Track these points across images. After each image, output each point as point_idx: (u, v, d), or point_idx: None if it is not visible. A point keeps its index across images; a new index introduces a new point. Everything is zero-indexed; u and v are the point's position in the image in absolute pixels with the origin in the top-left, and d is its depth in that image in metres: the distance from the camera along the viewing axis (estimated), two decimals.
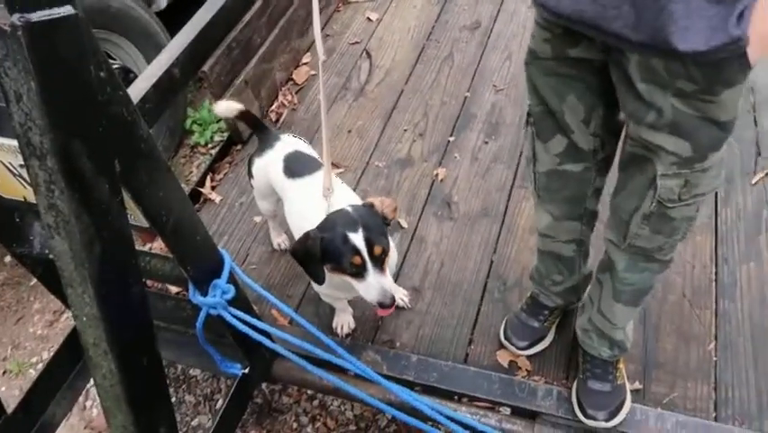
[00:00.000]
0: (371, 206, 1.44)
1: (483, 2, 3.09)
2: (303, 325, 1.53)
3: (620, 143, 1.29)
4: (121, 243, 1.14)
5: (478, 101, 2.59)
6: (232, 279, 1.46)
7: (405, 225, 2.17)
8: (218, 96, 2.45)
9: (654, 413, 1.58)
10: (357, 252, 1.34)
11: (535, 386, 1.67)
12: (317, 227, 1.43)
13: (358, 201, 1.64)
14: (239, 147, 2.63)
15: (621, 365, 1.60)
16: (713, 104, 1.00)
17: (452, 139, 2.46)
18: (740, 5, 0.86)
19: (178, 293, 2.00)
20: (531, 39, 1.19)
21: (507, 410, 1.68)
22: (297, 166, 1.75)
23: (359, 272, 1.37)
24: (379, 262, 1.37)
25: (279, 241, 2.17)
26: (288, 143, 1.84)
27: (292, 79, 2.89)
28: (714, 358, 1.68)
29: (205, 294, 1.44)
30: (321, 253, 1.40)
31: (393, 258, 1.68)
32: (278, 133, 1.91)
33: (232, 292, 1.42)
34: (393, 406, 1.40)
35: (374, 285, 1.36)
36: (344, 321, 1.89)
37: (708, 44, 0.89)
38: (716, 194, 2.05)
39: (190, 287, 1.44)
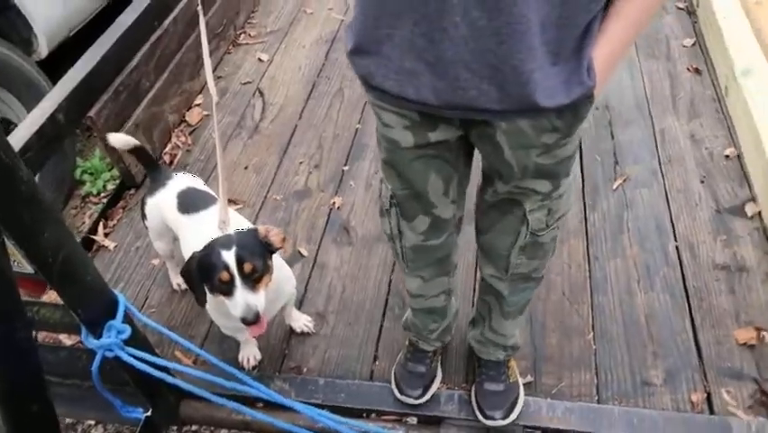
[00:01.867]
0: (255, 231, 1.49)
1: None
2: (207, 359, 1.54)
3: (475, 196, 1.39)
4: (3, 288, 1.13)
5: (368, 132, 2.72)
6: (128, 319, 1.46)
7: (305, 253, 2.22)
8: (106, 142, 2.42)
9: (545, 403, 1.71)
10: (226, 267, 1.37)
11: (438, 393, 1.76)
12: (201, 249, 1.47)
13: None
14: (132, 191, 2.59)
15: (512, 363, 1.72)
16: (569, 144, 1.12)
17: (346, 168, 2.56)
18: (584, 62, 0.99)
19: (73, 345, 1.93)
20: (384, 128, 1.16)
21: (414, 420, 1.75)
22: (190, 202, 1.77)
23: (228, 289, 1.40)
24: (251, 281, 1.39)
25: (178, 281, 2.15)
26: (180, 181, 1.86)
27: (185, 121, 2.90)
28: (593, 347, 1.85)
29: (99, 336, 1.42)
30: (197, 270, 1.44)
31: (287, 290, 1.74)
32: (170, 171, 1.92)
33: (127, 332, 1.42)
34: (304, 428, 1.43)
35: (239, 301, 1.38)
36: (249, 354, 1.90)
37: (569, 97, 0.99)
38: (584, 202, 2.27)
39: (83, 331, 1.42)
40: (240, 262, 1.38)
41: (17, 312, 1.16)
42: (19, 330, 1.17)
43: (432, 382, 1.76)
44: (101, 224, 2.44)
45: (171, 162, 2.70)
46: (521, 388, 1.70)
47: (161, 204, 1.83)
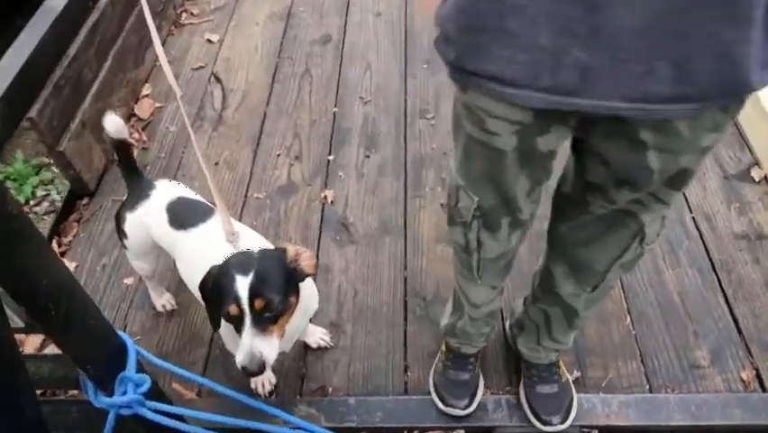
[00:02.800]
0: (283, 252, 1.23)
1: (327, 15, 3.01)
2: (222, 392, 1.32)
3: (565, 207, 1.17)
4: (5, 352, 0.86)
5: (348, 115, 2.49)
6: (139, 366, 1.20)
7: None
8: (52, 146, 2.06)
9: (599, 399, 1.60)
10: (236, 300, 1.13)
11: (484, 400, 1.61)
12: (220, 264, 1.22)
13: (269, 245, 1.45)
14: (85, 201, 2.24)
15: (561, 362, 1.60)
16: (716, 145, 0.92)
17: (331, 158, 2.33)
18: None
19: (53, 393, 1.62)
20: (486, 135, 0.94)
21: (462, 432, 1.60)
22: (185, 215, 1.50)
23: (238, 325, 1.16)
24: (262, 320, 1.14)
25: (163, 302, 1.87)
26: (166, 191, 1.58)
27: (135, 115, 2.55)
28: (633, 332, 1.76)
29: (110, 392, 1.16)
30: (212, 290, 1.20)
31: (311, 309, 1.51)
32: (150, 180, 1.63)
33: (147, 384, 1.17)
34: None
35: (244, 344, 1.13)
36: (264, 378, 1.67)
37: None
38: None
39: (89, 387, 1.15)
40: (252, 296, 1.13)
41: (24, 384, 0.89)
42: (27, 408, 0.90)
43: (477, 389, 1.61)
44: (54, 241, 2.09)
45: None
46: (573, 387, 1.58)
47: (147, 220, 1.54)
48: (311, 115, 2.51)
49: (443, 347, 1.65)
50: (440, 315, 1.81)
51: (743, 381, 1.64)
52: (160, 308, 1.87)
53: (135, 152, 2.39)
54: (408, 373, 1.71)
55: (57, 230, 2.13)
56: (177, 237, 1.49)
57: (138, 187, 1.59)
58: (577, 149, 1.03)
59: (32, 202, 2.61)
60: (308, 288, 1.48)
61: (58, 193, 2.29)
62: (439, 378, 1.62)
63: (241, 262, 1.18)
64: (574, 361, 1.70)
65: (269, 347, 1.14)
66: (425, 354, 1.74)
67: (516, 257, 1.34)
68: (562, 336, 1.44)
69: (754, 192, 2.08)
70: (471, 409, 1.58)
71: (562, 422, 1.52)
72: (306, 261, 1.23)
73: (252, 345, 1.12)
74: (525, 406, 1.57)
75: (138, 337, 1.82)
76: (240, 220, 2.10)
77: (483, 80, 0.83)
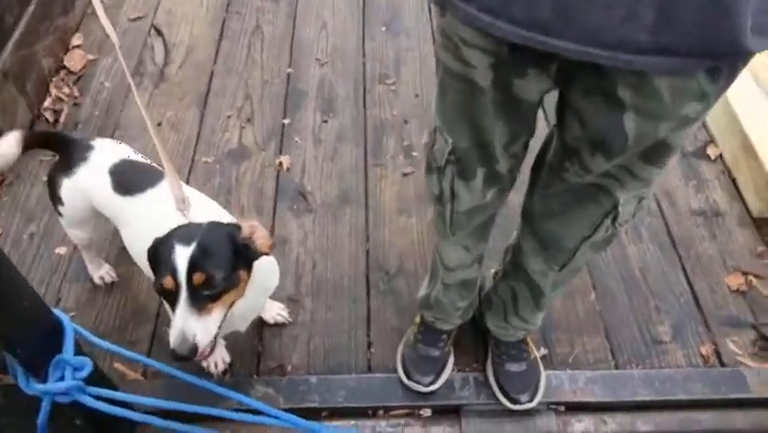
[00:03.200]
0: (236, 228, 1.09)
1: None
2: (175, 375, 1.19)
3: (540, 170, 1.12)
4: None
5: (303, 77, 2.34)
6: (77, 346, 1.06)
7: None
8: None
9: (566, 375, 1.57)
10: (172, 272, 0.99)
11: (451, 378, 1.55)
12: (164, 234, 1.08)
13: (226, 217, 1.32)
14: None
15: (529, 339, 1.56)
16: (701, 118, 0.86)
17: (286, 122, 2.18)
18: None
19: None
20: (463, 67, 0.88)
21: (428, 411, 1.53)
22: (130, 179, 1.34)
23: (172, 301, 1.01)
24: (200, 298, 1.00)
25: (101, 273, 1.70)
26: (107, 151, 1.40)
27: (65, 67, 2.30)
28: (598, 307, 1.74)
29: (43, 378, 1.01)
30: (151, 263, 1.07)
31: (270, 285, 1.39)
32: (86, 139, 1.44)
33: (88, 367, 1.02)
34: None
35: (175, 325, 0.98)
36: (216, 356, 1.55)
37: None
38: None
39: (18, 372, 1.00)
40: (191, 268, 0.99)
41: None
42: None
43: (444, 366, 1.54)
44: None
45: (56, 121, 2.13)
46: (541, 364, 1.55)
47: (86, 185, 1.37)
48: (263, 74, 2.34)
49: (417, 320, 1.58)
50: (403, 289, 1.74)
51: (702, 356, 1.65)
52: (98, 281, 1.69)
53: (65, 109, 2.16)
54: (372, 350, 1.63)
55: None
56: (122, 204, 1.32)
57: (72, 149, 1.40)
58: (559, 109, 0.97)
59: None
60: (267, 263, 1.36)
61: None
62: (408, 352, 1.55)
63: (184, 232, 1.04)
64: (541, 338, 1.66)
65: (204, 329, 0.99)
66: (389, 329, 1.66)
67: (493, 232, 1.28)
68: (528, 315, 1.40)
69: (710, 170, 2.10)
70: (435, 387, 1.52)
71: (531, 400, 1.49)
72: (261, 239, 1.09)
73: (185, 327, 0.98)
74: (494, 384, 1.52)
75: (72, 314, 1.64)
76: (187, 184, 1.93)
77: (461, 2, 0.76)
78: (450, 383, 1.54)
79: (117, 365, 1.56)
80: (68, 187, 1.39)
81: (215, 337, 1.04)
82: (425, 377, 1.51)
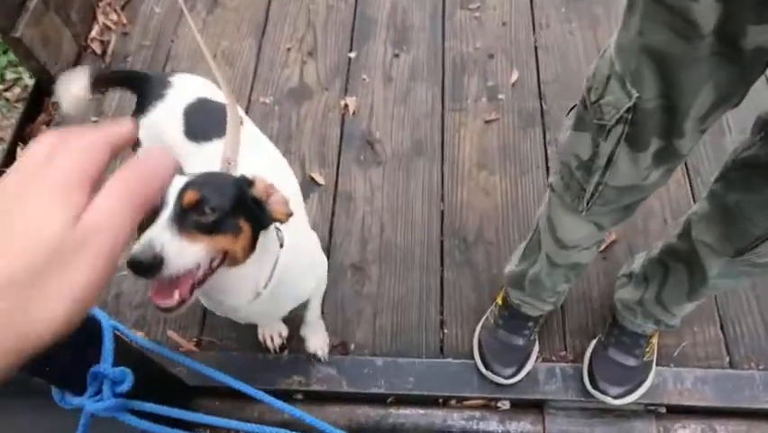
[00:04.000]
0: (248, 181, 0.89)
1: None
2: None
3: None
4: None
5: (373, 2, 2.04)
6: (121, 350, 0.92)
7: (321, 179, 1.66)
8: (5, 30, 1.65)
9: (670, 373, 1.36)
10: (161, 190, 0.75)
11: (535, 369, 1.36)
12: None
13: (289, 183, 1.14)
14: (55, 98, 1.86)
15: (655, 340, 1.34)
16: None
17: (352, 55, 1.92)
18: None
19: None
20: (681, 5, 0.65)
21: (507, 404, 1.37)
22: (202, 123, 1.15)
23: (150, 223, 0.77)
24: (187, 221, 0.78)
25: None
26: (185, 89, 1.21)
27: None
28: None
29: (81, 388, 0.89)
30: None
31: (305, 286, 1.18)
32: (164, 75, 1.25)
33: (129, 379, 0.89)
34: None
35: (145, 234, 0.74)
36: (273, 330, 1.41)
37: None
38: None
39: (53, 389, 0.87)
40: (185, 188, 0.80)
41: None
42: None
43: (528, 357, 1.36)
44: (18, 148, 1.74)
45: (104, 53, 1.95)
46: (653, 370, 1.33)
47: (162, 126, 1.19)
48: None
49: (499, 300, 1.38)
50: (482, 261, 1.53)
51: None
52: None
53: (113, 39, 1.97)
54: (445, 330, 1.45)
55: (21, 135, 1.77)
56: (190, 150, 1.15)
57: (149, 88, 1.22)
58: None
59: (0, 87, 2.23)
60: (304, 254, 1.17)
61: (31, 77, 1.90)
62: (487, 337, 1.36)
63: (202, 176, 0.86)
64: None
65: (178, 248, 0.75)
66: (465, 307, 1.47)
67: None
68: (673, 303, 1.16)
69: None
70: (516, 379, 1.34)
71: (616, 398, 1.28)
72: (276, 204, 0.89)
73: (155, 235, 0.74)
74: (586, 366, 1.32)
75: (124, 273, 1.53)
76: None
77: None
78: (533, 375, 1.36)
79: (171, 333, 1.45)
80: (144, 126, 1.22)
81: (192, 290, 0.80)
82: (505, 368, 1.33)
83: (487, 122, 1.75)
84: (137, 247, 0.72)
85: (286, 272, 1.00)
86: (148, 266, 0.70)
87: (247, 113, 1.79)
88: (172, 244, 0.74)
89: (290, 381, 1.37)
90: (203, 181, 0.82)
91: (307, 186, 1.65)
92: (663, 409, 1.35)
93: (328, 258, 1.52)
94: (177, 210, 0.76)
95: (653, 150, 0.81)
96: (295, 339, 1.43)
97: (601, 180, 0.90)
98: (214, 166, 1.03)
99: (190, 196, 0.78)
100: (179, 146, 1.15)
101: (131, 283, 1.52)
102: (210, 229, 0.79)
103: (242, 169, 1.02)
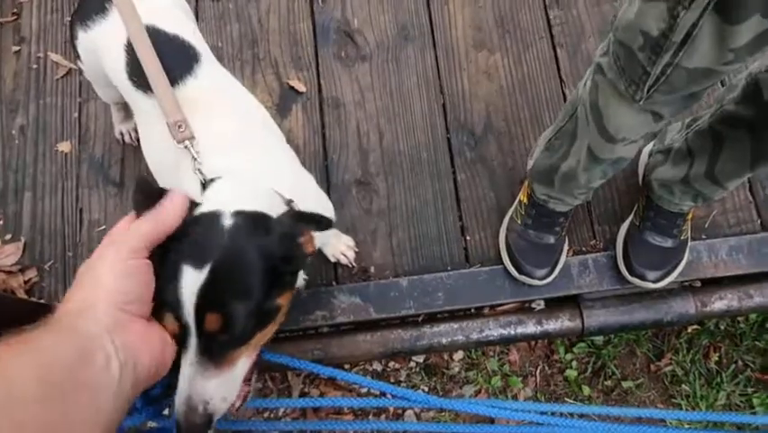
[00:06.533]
0: (297, 236, 0.69)
1: None
2: None
3: None
4: None
5: None
6: None
7: (302, 87, 1.45)
8: None
9: (704, 246, 1.31)
10: (175, 309, 0.61)
11: (567, 262, 1.30)
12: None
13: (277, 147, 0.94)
14: None
15: (690, 216, 1.26)
16: None
17: None
18: None
19: None
20: None
21: (541, 303, 1.32)
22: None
23: (181, 342, 0.62)
24: (216, 347, 0.63)
25: (123, 129, 1.38)
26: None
27: None
28: None
29: None
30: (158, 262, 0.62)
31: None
32: None
33: (159, 384, 0.76)
34: None
35: (181, 388, 0.63)
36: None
37: None
38: None
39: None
40: (202, 307, 0.61)
41: None
42: None
43: (561, 254, 1.28)
44: None
45: None
46: (688, 248, 1.27)
47: (100, 53, 0.97)
48: None
49: (523, 197, 1.28)
50: (495, 154, 1.40)
51: None
52: (117, 135, 1.39)
53: None
54: (467, 237, 1.35)
55: None
56: (135, 96, 0.93)
57: None
58: None
59: None
60: (315, 192, 1.01)
61: None
62: (515, 238, 1.28)
63: (199, 241, 0.63)
64: None
65: (222, 392, 0.64)
66: (485, 209, 1.37)
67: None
68: (730, 177, 1.05)
69: None
70: (551, 279, 1.27)
71: (658, 281, 1.24)
72: (307, 244, 0.70)
73: (193, 390, 0.63)
74: (619, 251, 1.27)
75: (103, 227, 1.37)
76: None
77: None
78: (566, 269, 1.30)
79: None
80: (83, 42, 1.00)
81: (246, 395, 0.70)
82: (539, 269, 1.26)
83: None
84: (180, 407, 0.63)
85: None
86: (201, 429, 0.64)
87: (197, 16, 1.52)
88: (214, 391, 0.64)
89: (314, 317, 1.29)
90: (222, 278, 0.61)
91: (287, 96, 1.44)
92: (698, 283, 1.32)
93: (326, 177, 1.38)
94: (203, 339, 0.62)
95: (751, 25, 0.65)
96: (308, 273, 1.32)
97: (672, 61, 0.74)
98: (161, 126, 0.82)
99: (213, 321, 0.61)
100: (123, 84, 0.93)
101: None
102: (249, 337, 0.65)
103: (200, 131, 0.81)
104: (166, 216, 0.59)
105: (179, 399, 0.64)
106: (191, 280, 0.61)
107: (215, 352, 0.63)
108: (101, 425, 0.41)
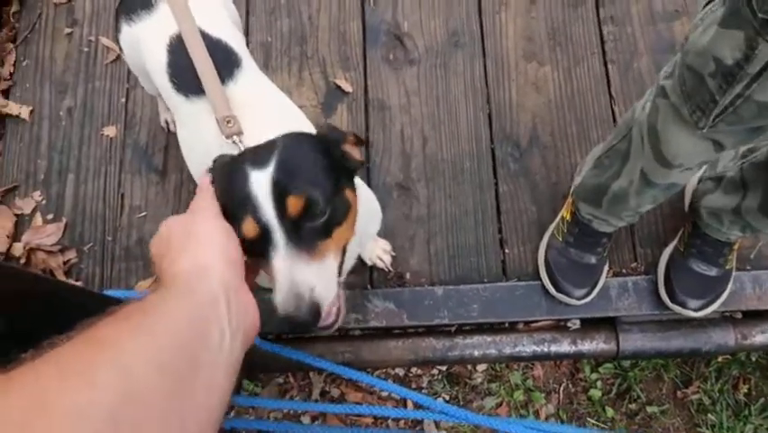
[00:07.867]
0: (342, 139, 0.72)
1: None
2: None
3: None
4: None
5: None
6: None
7: (348, 87, 1.45)
8: None
9: (749, 277, 1.28)
10: (253, 210, 0.62)
11: (606, 283, 1.28)
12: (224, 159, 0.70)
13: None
14: (14, 7, 1.56)
15: (737, 246, 1.23)
16: None
17: None
18: None
19: None
20: None
21: (577, 323, 1.30)
22: (190, 69, 0.91)
23: (262, 250, 0.63)
24: (306, 235, 0.63)
25: (168, 117, 1.39)
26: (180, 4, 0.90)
27: None
28: None
29: None
30: (222, 197, 0.64)
31: (371, 231, 1.05)
32: None
33: None
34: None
35: (281, 280, 0.62)
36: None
37: None
38: None
39: None
40: (280, 196, 0.62)
41: None
42: None
43: (601, 274, 1.26)
44: None
45: None
46: (733, 278, 1.24)
47: (143, 50, 0.97)
48: None
49: (567, 214, 1.26)
50: (539, 168, 1.38)
51: None
52: (162, 123, 1.41)
53: None
54: (506, 251, 1.34)
55: None
56: (175, 99, 0.92)
57: None
58: None
59: None
60: (369, 200, 1.01)
61: None
62: (556, 256, 1.26)
63: (254, 151, 0.68)
64: None
65: (323, 278, 0.63)
66: (525, 223, 1.35)
67: None
68: None
69: None
70: (589, 299, 1.26)
71: (701, 309, 1.21)
72: (352, 151, 0.74)
73: (296, 277, 0.62)
74: (660, 277, 1.25)
75: (144, 213, 1.37)
76: (247, 38, 1.48)
77: None
78: (604, 291, 1.28)
79: None
80: (125, 38, 1.00)
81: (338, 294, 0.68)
82: (577, 289, 1.24)
83: (532, 1, 1.50)
84: (286, 302, 0.61)
85: (363, 221, 0.83)
86: (311, 319, 0.61)
87: (247, 16, 1.52)
88: (315, 278, 0.62)
89: (347, 319, 1.28)
90: (290, 168, 0.63)
91: (333, 95, 1.44)
92: (739, 315, 1.29)
93: (368, 178, 1.37)
94: (288, 229, 0.61)
95: None
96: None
97: (743, 93, 0.72)
98: (210, 123, 0.82)
99: (295, 204, 0.61)
100: (164, 86, 0.92)
101: (153, 226, 1.36)
102: (330, 228, 0.65)
103: (247, 124, 0.81)
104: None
105: (281, 293, 0.62)
106: (262, 179, 0.63)
107: (304, 241, 0.63)
108: (215, 407, 0.39)
